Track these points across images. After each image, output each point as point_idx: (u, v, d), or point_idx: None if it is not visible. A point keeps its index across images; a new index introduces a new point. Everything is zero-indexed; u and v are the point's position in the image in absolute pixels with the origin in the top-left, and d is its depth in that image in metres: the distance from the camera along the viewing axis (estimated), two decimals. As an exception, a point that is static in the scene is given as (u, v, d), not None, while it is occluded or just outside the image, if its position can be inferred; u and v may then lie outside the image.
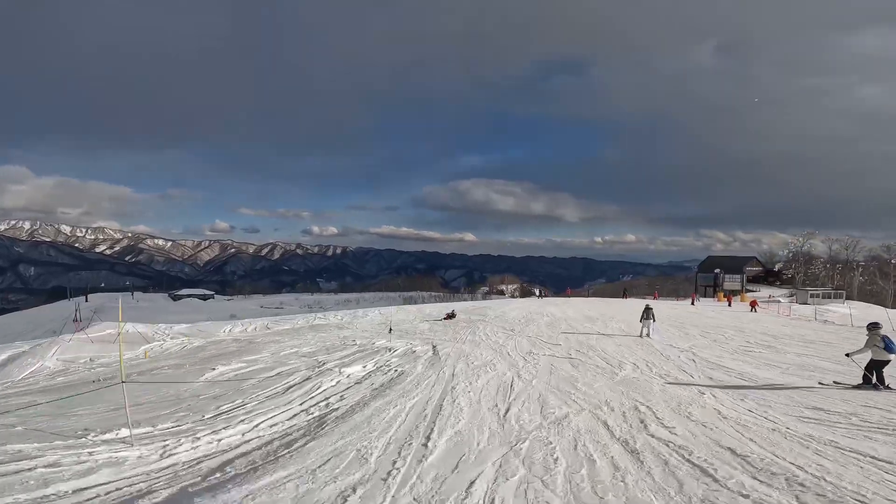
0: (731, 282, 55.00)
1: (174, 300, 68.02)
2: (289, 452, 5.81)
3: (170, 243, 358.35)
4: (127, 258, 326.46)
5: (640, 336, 16.80)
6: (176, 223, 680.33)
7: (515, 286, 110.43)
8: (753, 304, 31.74)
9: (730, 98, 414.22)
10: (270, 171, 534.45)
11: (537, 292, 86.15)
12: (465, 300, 61.43)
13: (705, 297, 52.32)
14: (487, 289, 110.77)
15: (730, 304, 36.42)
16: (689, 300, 41.21)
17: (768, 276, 57.52)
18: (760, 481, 4.83)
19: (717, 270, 57.09)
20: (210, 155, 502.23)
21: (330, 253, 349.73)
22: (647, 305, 17.93)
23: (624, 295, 45.07)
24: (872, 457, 5.47)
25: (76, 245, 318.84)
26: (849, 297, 40.72)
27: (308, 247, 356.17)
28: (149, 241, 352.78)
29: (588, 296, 45.16)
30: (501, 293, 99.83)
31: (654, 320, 17.35)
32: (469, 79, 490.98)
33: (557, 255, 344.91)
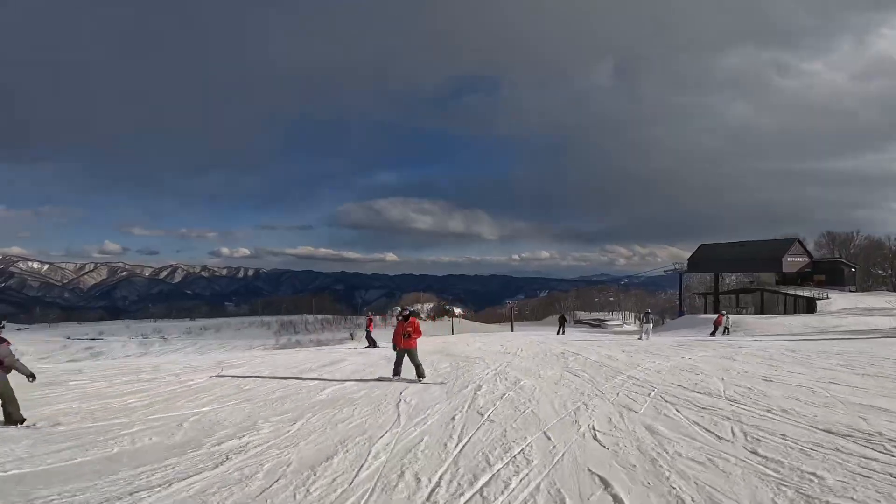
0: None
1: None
2: None
3: (46, 266, 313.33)
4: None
5: (640, 339, 17.37)
6: (56, 245, 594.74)
7: (432, 305, 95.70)
8: None
9: (625, 117, 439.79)
10: (169, 188, 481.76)
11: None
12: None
13: (709, 312, 36.25)
14: (400, 308, 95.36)
15: None
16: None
17: (816, 272, 37.32)
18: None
19: None
20: (95, 170, 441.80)
21: (240, 275, 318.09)
22: (647, 311, 20.84)
23: (561, 326, 26.63)
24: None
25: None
26: None
27: (215, 269, 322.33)
28: (21, 264, 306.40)
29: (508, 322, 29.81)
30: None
31: (651, 323, 18.95)
32: (381, 94, 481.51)
33: (478, 272, 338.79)
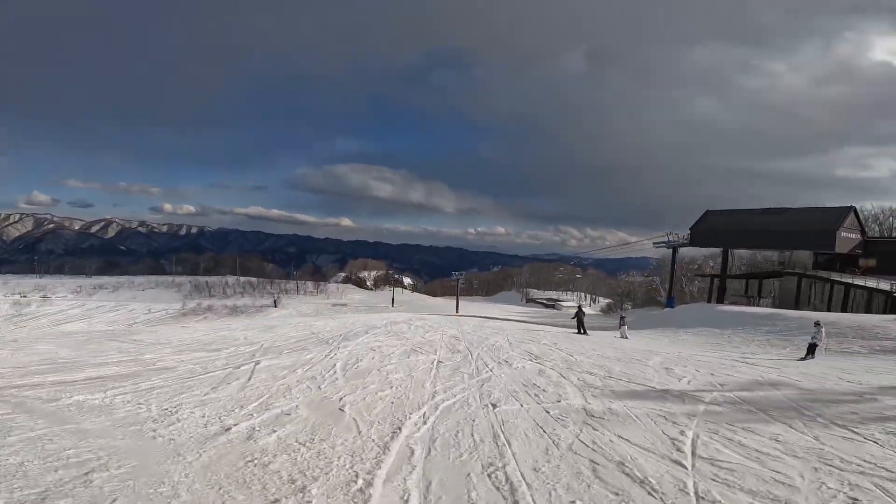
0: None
1: None
2: None
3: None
4: None
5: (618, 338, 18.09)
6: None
7: (380, 272, 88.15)
8: None
9: (591, 104, 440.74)
10: (110, 141, 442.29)
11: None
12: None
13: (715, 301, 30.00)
14: (346, 274, 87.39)
15: None
16: None
17: (866, 254, 28.68)
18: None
19: None
20: (25, 117, 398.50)
21: (183, 232, 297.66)
22: (622, 315, 21.47)
23: (580, 325, 19.51)
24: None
25: None
26: None
27: (154, 225, 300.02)
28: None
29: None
30: (361, 284, 76.93)
31: (626, 325, 19.78)
32: (349, 63, 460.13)
33: (433, 244, 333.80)
